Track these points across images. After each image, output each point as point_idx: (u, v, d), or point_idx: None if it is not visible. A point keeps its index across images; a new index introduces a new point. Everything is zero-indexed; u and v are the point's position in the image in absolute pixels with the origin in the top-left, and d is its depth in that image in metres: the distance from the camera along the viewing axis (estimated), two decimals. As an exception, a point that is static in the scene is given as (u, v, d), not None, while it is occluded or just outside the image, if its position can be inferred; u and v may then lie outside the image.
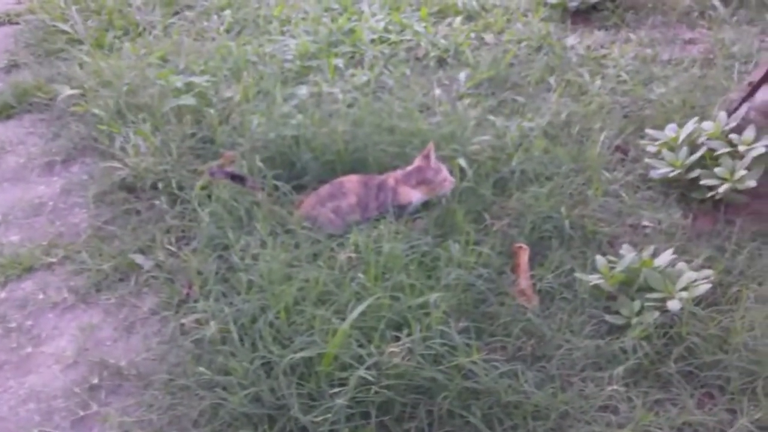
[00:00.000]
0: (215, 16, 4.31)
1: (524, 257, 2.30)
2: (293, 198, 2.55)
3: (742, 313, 2.05)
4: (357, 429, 1.78)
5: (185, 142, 2.92)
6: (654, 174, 2.71)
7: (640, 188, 2.73)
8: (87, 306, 2.33)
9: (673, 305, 2.00)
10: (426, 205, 2.52)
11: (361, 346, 1.87)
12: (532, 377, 1.91)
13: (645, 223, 2.53)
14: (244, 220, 2.44)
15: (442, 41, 3.90)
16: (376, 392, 1.78)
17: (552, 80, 3.50)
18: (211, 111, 3.03)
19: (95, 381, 2.05)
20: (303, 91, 3.23)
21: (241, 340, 1.96)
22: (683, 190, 2.67)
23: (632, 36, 3.99)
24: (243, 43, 3.82)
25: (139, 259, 2.44)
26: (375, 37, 3.94)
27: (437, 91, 3.31)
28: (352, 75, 3.48)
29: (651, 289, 2.09)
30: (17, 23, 4.46)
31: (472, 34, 4.02)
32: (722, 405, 1.89)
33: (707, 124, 2.68)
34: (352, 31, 4.00)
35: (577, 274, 2.22)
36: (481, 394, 1.85)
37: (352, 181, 2.48)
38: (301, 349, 1.86)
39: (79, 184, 2.91)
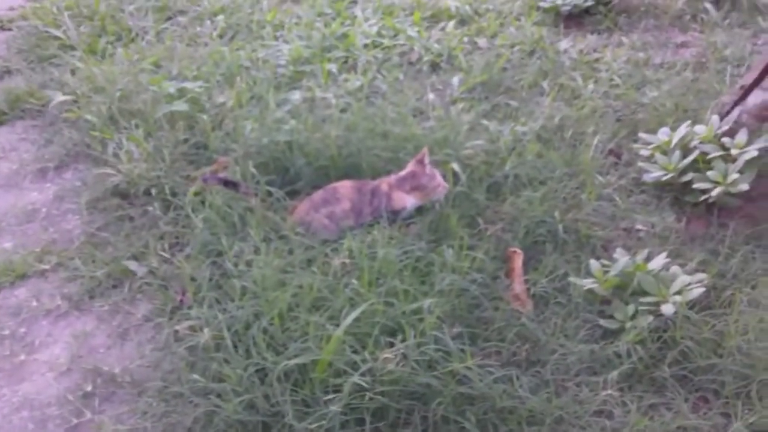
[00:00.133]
0: (208, 22, 4.30)
1: (518, 262, 2.31)
2: (287, 204, 2.54)
3: (735, 316, 2.05)
4: (351, 436, 1.78)
5: (178, 148, 2.91)
6: (647, 178, 2.72)
7: (634, 192, 2.73)
8: (80, 313, 2.32)
9: (667, 309, 2.01)
10: (420, 211, 2.52)
11: (355, 352, 1.87)
12: (527, 382, 1.92)
13: (638, 226, 2.54)
14: (237, 226, 2.43)
15: (436, 46, 3.91)
16: (371, 398, 1.78)
17: (545, 84, 3.50)
18: (204, 117, 3.03)
19: (89, 388, 2.04)
20: (296, 96, 3.22)
21: (235, 346, 1.96)
22: (676, 193, 2.68)
23: (625, 40, 4.00)
24: (236, 49, 3.82)
25: (132, 265, 2.44)
26: (368, 41, 3.95)
27: (430, 96, 3.31)
28: (346, 80, 3.48)
29: (645, 293, 2.10)
30: (10, 29, 4.43)
31: (465, 39, 4.03)
32: (717, 409, 1.90)
33: (700, 128, 2.69)
34: (345, 35, 4.00)
35: (571, 279, 2.23)
36: (475, 399, 1.85)
37: (345, 186, 2.48)
38: (295, 356, 1.85)
39: (72, 191, 2.90)
